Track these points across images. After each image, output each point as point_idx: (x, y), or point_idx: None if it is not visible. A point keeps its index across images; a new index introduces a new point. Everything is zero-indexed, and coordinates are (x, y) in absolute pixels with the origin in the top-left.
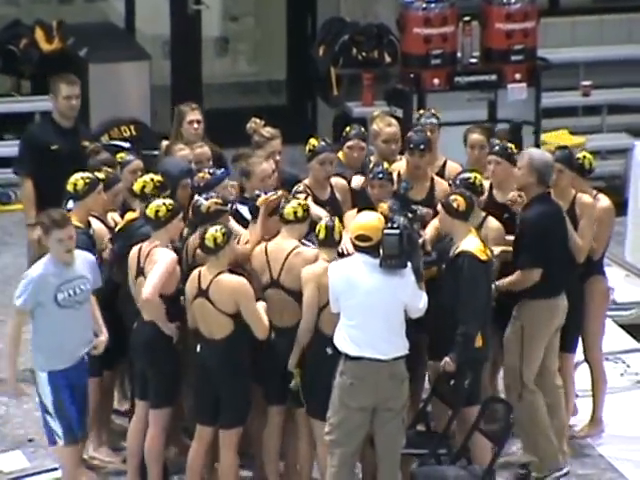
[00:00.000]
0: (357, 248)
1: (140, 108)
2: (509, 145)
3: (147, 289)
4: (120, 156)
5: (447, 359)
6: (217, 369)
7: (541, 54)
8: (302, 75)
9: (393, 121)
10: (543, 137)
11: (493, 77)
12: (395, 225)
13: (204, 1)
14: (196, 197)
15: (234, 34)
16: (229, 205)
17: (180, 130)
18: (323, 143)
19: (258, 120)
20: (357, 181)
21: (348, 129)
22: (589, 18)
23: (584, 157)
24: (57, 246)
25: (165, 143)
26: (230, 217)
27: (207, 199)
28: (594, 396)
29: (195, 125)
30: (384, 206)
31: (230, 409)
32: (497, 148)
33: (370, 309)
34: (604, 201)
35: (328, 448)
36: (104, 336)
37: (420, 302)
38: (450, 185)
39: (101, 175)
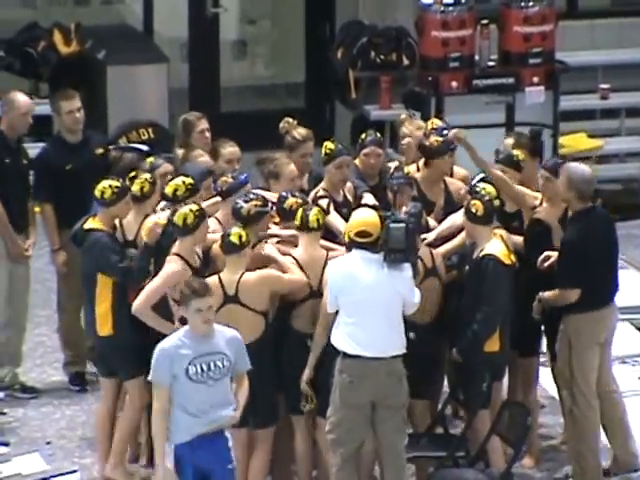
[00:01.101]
0: (355, 244)
1: (158, 111)
2: (515, 153)
3: (137, 300)
4: (150, 161)
5: (454, 351)
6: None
7: (559, 57)
8: (320, 78)
9: (422, 124)
10: (561, 140)
11: (511, 80)
12: (399, 219)
13: (222, 4)
14: (236, 200)
15: (252, 37)
16: (270, 206)
17: (189, 140)
18: (340, 146)
19: (291, 120)
20: (369, 199)
21: (363, 136)
22: (608, 21)
23: None
24: (195, 316)
25: (180, 152)
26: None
27: (247, 202)
28: None
29: (206, 134)
30: (403, 210)
31: (262, 411)
32: (501, 157)
33: (371, 304)
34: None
35: (330, 447)
36: (236, 413)
37: (415, 296)
38: (469, 192)
39: (140, 183)
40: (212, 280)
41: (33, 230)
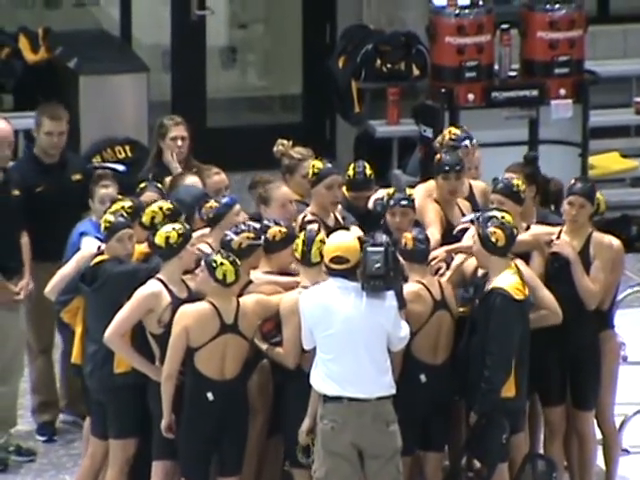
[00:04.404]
0: (331, 272)
1: (136, 126)
2: (514, 182)
3: (109, 328)
4: (141, 186)
5: (472, 414)
6: (233, 412)
7: (589, 67)
8: (319, 90)
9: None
10: (591, 160)
11: (534, 92)
12: (378, 242)
13: (209, 6)
14: (226, 231)
15: (242, 43)
16: (261, 238)
17: (160, 147)
18: (329, 165)
19: (286, 142)
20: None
21: (351, 172)
22: None
23: None
24: None
25: (168, 179)
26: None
27: (237, 233)
28: (606, 465)
29: (179, 142)
30: (408, 236)
31: (236, 455)
32: (500, 186)
33: (349, 338)
34: (615, 242)
35: None
36: None
37: (401, 331)
38: (474, 219)
39: (127, 203)
40: (201, 308)
41: (27, 269)
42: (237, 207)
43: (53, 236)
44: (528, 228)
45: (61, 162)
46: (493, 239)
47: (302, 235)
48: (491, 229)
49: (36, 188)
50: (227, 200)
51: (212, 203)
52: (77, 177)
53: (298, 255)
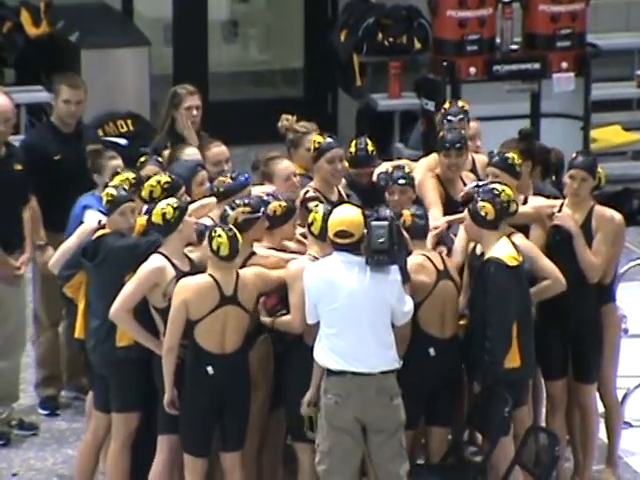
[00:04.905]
0: (336, 246)
1: (138, 100)
2: (510, 156)
3: (114, 304)
4: (142, 160)
5: (475, 384)
6: (234, 386)
7: (591, 40)
8: (321, 63)
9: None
10: (593, 134)
11: (536, 66)
12: (382, 216)
13: None
14: (224, 207)
15: (244, 17)
16: (261, 211)
17: (174, 116)
18: (329, 139)
19: (290, 117)
20: None
21: (353, 149)
22: None
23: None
24: None
25: (166, 152)
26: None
27: (233, 208)
28: (609, 437)
29: (194, 112)
30: (407, 213)
31: (238, 429)
32: (496, 159)
33: (353, 313)
34: (616, 215)
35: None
36: None
37: (405, 305)
38: (476, 189)
39: (132, 174)
40: (201, 281)
41: (29, 244)
42: (249, 188)
43: (65, 207)
44: (526, 201)
45: (77, 132)
46: (482, 213)
47: (320, 210)
48: (480, 203)
49: (54, 156)
50: (243, 180)
51: (225, 177)
52: (92, 148)
53: (315, 230)
